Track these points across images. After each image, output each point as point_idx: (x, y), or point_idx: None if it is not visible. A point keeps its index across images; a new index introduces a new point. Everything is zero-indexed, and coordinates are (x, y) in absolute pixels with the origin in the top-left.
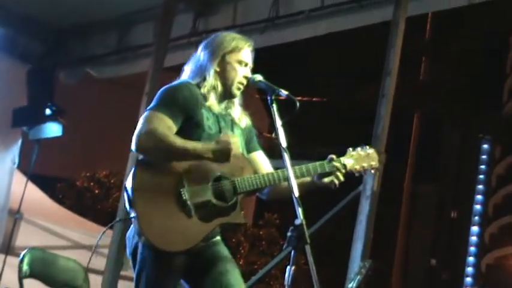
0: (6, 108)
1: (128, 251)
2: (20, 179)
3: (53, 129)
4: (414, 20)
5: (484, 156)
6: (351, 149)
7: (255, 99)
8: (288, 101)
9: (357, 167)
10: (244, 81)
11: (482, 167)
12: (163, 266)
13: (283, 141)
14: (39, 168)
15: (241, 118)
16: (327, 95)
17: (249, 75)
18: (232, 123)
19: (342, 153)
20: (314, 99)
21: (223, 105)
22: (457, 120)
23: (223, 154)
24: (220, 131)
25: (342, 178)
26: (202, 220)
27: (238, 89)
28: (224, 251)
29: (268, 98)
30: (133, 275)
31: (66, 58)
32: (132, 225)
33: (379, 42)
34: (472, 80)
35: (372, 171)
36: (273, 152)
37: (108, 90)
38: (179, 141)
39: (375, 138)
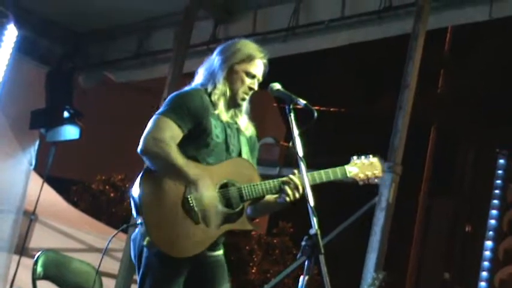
0: (24, 109)
1: (133, 253)
2: (36, 180)
3: (70, 132)
4: (434, 33)
5: (500, 171)
6: (355, 157)
7: (272, 107)
8: (306, 110)
9: (361, 175)
10: (249, 92)
11: (498, 181)
12: (169, 272)
13: (300, 151)
14: (55, 170)
15: (247, 127)
16: (345, 105)
17: (255, 87)
18: (238, 132)
19: (347, 161)
20: (331, 109)
21: (230, 113)
22: (474, 134)
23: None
24: (226, 139)
25: (290, 193)
26: (209, 226)
27: (243, 99)
28: (221, 271)
29: (286, 107)
30: (137, 278)
31: (86, 61)
32: (137, 228)
33: (398, 52)
34: (490, 94)
35: (376, 180)
36: (289, 160)
37: (126, 95)
38: (179, 161)
39: (391, 150)
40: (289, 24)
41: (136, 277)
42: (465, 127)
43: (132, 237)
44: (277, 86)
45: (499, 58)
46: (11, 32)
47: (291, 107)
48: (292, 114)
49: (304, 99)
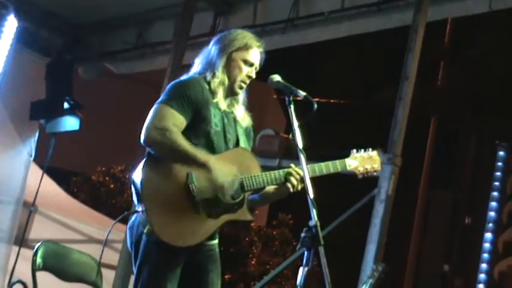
0: (24, 100)
1: (129, 241)
2: (35, 171)
3: (70, 123)
4: (433, 25)
5: (499, 163)
6: (354, 150)
7: (272, 99)
8: (306, 102)
9: (360, 169)
10: (247, 81)
11: (498, 173)
12: (168, 260)
13: (300, 142)
14: (55, 161)
15: (244, 118)
16: (345, 97)
17: (253, 75)
18: (235, 121)
19: (346, 154)
20: (332, 100)
21: (227, 101)
22: (474, 127)
23: (218, 178)
24: (224, 128)
25: (295, 184)
26: (210, 216)
27: (240, 87)
28: (215, 267)
29: (286, 98)
30: (134, 267)
31: (86, 53)
32: (135, 216)
33: (398, 45)
34: (490, 86)
35: (375, 173)
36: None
37: (126, 86)
38: (186, 146)
39: (391, 142)
40: (289, 16)
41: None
42: (465, 119)
43: (129, 225)
44: (277, 77)
45: (498, 50)
46: (11, 23)
47: (291, 98)
48: (292, 106)
49: (304, 90)
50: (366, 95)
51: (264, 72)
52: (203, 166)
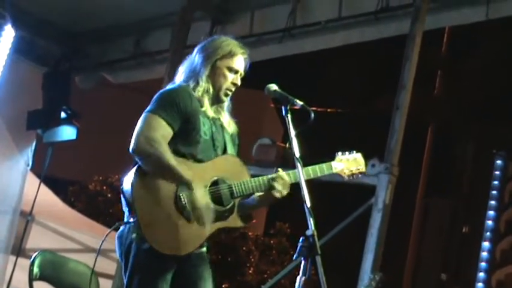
0: (21, 110)
1: (119, 251)
2: (32, 181)
3: (67, 133)
4: (431, 34)
5: (497, 172)
6: (339, 153)
7: (270, 108)
8: (303, 111)
9: (346, 171)
10: (233, 88)
11: (495, 182)
12: (159, 268)
13: (297, 152)
14: (52, 170)
15: (230, 124)
16: (343, 105)
17: (238, 82)
18: (222, 128)
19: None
20: (329, 110)
21: (213, 109)
22: (471, 135)
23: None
24: (212, 136)
25: (280, 189)
26: (201, 224)
27: (226, 95)
28: (206, 268)
29: (283, 108)
30: (125, 276)
31: (83, 62)
32: (124, 226)
33: (396, 53)
34: (487, 95)
35: (360, 175)
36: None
37: (123, 95)
38: (172, 161)
39: (388, 151)
40: (286, 25)
41: None
42: (462, 128)
43: (118, 234)
44: (274, 87)
45: (496, 59)
46: (8, 32)
47: (288, 108)
48: (289, 115)
49: (301, 100)
50: (364, 103)
51: (261, 81)
52: (185, 185)
